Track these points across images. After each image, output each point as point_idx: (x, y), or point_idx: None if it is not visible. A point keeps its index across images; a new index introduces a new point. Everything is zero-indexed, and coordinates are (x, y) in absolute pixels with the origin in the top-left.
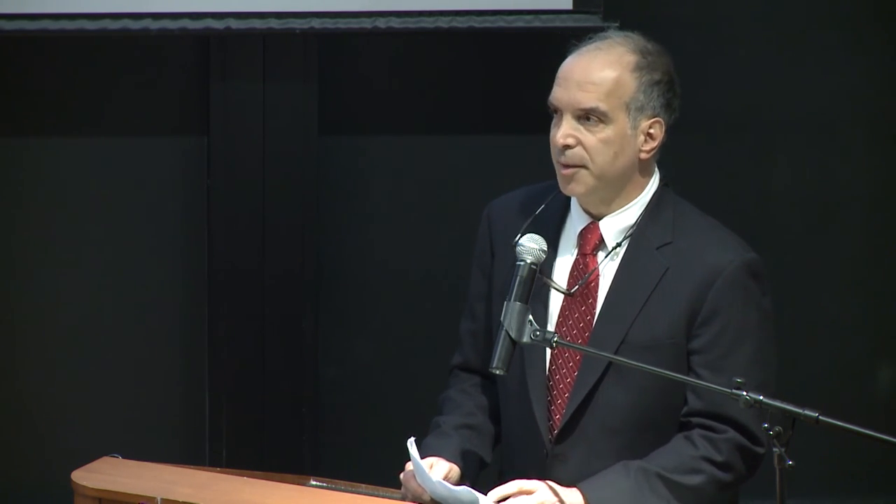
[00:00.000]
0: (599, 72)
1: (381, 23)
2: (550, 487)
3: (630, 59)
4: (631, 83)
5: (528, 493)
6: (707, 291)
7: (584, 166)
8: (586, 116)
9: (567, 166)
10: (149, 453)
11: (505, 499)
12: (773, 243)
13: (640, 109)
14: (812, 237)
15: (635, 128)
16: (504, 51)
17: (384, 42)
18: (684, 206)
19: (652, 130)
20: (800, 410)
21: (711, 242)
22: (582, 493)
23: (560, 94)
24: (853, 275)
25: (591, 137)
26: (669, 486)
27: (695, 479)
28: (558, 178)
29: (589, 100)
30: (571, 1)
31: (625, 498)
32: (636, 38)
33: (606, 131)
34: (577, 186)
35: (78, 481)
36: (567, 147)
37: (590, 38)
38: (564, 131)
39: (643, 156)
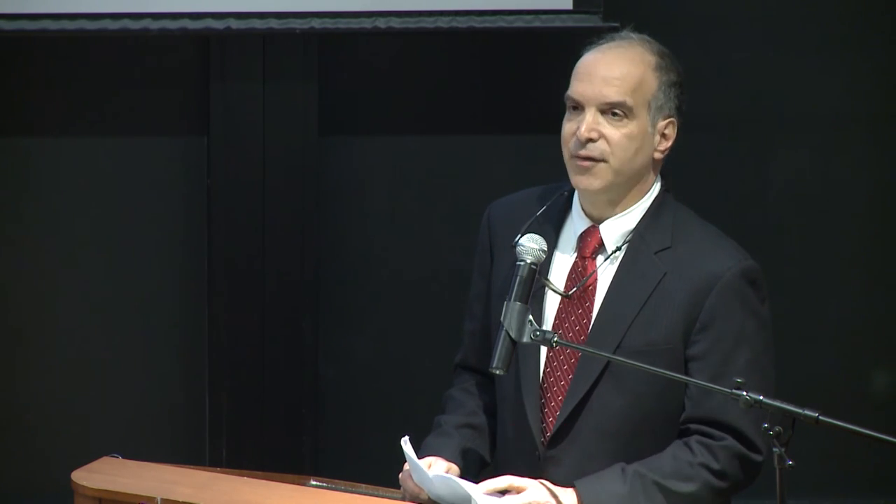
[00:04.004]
0: (624, 68)
1: (381, 23)
2: (545, 486)
3: (650, 58)
4: (652, 81)
5: (519, 490)
6: (705, 298)
7: (603, 160)
8: (611, 111)
9: (586, 159)
10: (149, 453)
11: (498, 492)
12: (773, 243)
13: (660, 109)
14: (812, 237)
15: (654, 126)
16: (504, 51)
17: (384, 42)
18: (684, 212)
19: (667, 131)
20: (800, 410)
21: (710, 249)
22: (577, 492)
23: (583, 88)
24: (853, 275)
25: (615, 132)
26: (665, 492)
27: (690, 487)
28: (572, 172)
29: (616, 94)
30: (571, 1)
31: (618, 501)
32: (651, 40)
33: (630, 126)
34: (594, 180)
35: (78, 481)
36: (590, 140)
37: (605, 38)
38: (589, 125)
39: (657, 155)
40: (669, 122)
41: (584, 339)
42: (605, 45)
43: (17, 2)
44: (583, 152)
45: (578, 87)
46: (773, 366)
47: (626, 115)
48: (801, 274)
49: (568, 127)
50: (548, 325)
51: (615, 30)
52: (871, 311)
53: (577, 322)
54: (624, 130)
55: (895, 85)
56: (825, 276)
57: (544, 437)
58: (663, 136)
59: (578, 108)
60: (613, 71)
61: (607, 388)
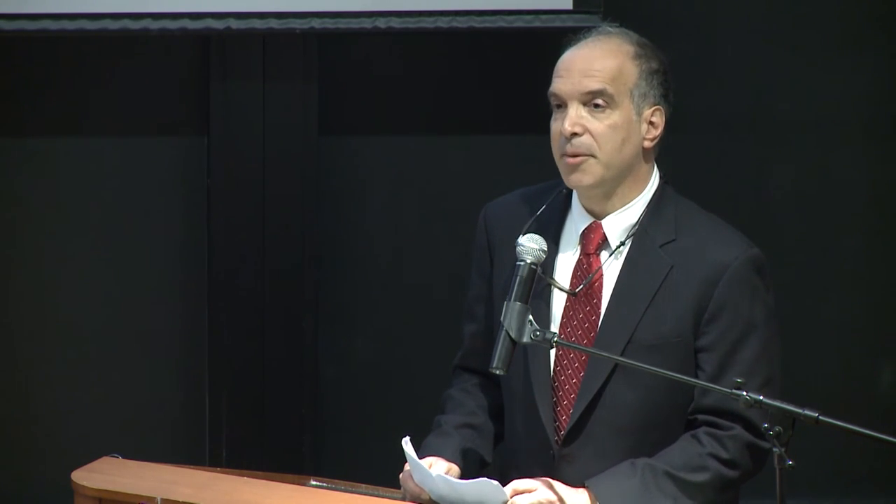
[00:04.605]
0: (602, 59)
1: (381, 23)
2: (551, 486)
3: (628, 48)
4: (633, 70)
5: (527, 491)
6: (713, 288)
7: (591, 155)
8: (593, 103)
9: (574, 156)
10: (149, 453)
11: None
12: (773, 243)
13: (643, 97)
14: (812, 237)
15: (639, 115)
16: (504, 51)
17: (384, 42)
18: (685, 203)
19: (654, 119)
20: (800, 410)
21: (715, 239)
22: (589, 491)
23: (563, 84)
24: (853, 274)
25: (599, 124)
26: (677, 483)
27: (701, 476)
28: (563, 170)
29: (595, 83)
30: (571, 1)
31: (632, 495)
32: (629, 32)
33: (613, 117)
34: (584, 176)
35: (78, 481)
36: (575, 135)
37: (584, 33)
38: (572, 119)
39: (647, 144)
40: (656, 110)
41: (594, 335)
42: (582, 41)
43: (17, 2)
44: (570, 149)
45: (558, 83)
46: (780, 353)
47: (608, 106)
48: (801, 274)
49: (554, 126)
50: (555, 324)
51: None
52: (871, 310)
53: (585, 319)
54: (608, 122)
55: (895, 85)
56: (825, 275)
57: (558, 436)
58: (651, 124)
59: (562, 105)
60: (592, 63)
61: (619, 383)
